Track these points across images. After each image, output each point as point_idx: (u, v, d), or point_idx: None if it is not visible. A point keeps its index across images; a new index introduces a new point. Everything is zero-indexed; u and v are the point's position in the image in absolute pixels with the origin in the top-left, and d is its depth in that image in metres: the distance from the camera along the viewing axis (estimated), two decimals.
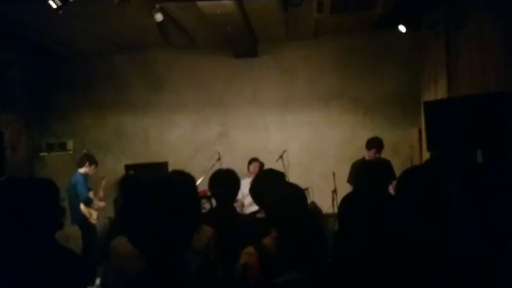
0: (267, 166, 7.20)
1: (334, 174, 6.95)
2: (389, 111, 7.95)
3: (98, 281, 5.78)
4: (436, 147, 5.05)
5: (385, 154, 6.66)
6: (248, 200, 6.80)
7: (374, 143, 6.18)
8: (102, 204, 6.99)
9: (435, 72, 6.85)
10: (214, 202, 3.68)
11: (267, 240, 2.46)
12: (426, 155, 6.48)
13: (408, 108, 7.74)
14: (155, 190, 1.70)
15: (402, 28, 7.11)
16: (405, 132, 7.71)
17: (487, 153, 4.44)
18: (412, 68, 7.71)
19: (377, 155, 6.12)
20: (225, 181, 3.22)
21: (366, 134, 7.92)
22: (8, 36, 6.97)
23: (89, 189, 6.99)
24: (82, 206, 6.72)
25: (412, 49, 7.67)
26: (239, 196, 6.72)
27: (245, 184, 6.81)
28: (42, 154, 8.60)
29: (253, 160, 7.10)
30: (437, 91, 6.75)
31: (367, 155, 6.18)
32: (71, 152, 8.55)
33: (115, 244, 2.77)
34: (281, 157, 7.01)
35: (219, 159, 7.06)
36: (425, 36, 7.23)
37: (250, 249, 2.47)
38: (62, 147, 8.65)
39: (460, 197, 2.21)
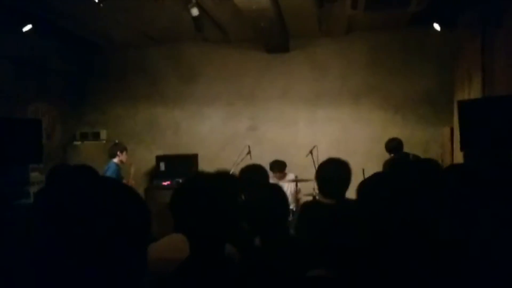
0: (296, 161, 7.25)
1: (363, 170, 6.94)
2: (421, 109, 7.88)
3: None
4: (470, 146, 5.02)
5: (416, 152, 6.64)
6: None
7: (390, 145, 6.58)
8: None
9: (469, 72, 6.76)
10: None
11: None
12: (457, 155, 6.43)
13: (440, 107, 7.66)
14: (204, 183, 1.81)
15: (437, 27, 7.04)
16: (436, 131, 7.63)
17: None
18: (445, 67, 7.62)
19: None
20: (254, 177, 3.31)
21: (397, 132, 7.87)
22: (47, 26, 7.15)
23: (121, 178, 7.15)
24: None
25: (446, 48, 7.57)
26: None
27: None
28: (75, 143, 8.79)
29: (274, 166, 6.90)
30: (470, 91, 6.67)
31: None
32: (104, 141, 8.73)
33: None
34: (310, 152, 7.02)
35: (249, 152, 7.10)
36: (460, 35, 7.13)
37: None
38: (96, 136, 8.81)
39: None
